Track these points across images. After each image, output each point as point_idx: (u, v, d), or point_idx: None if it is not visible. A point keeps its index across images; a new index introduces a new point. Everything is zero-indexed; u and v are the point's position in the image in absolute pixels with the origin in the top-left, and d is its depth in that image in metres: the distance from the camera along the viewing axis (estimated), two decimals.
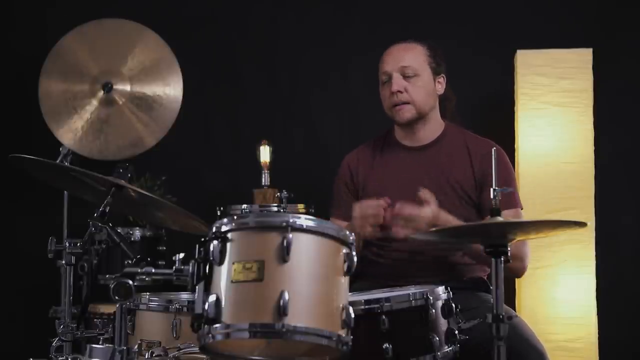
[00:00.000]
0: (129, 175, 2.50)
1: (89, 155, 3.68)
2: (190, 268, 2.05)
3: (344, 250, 2.04)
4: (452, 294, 2.43)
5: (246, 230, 2.03)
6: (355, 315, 2.02)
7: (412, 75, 2.99)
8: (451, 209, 2.90)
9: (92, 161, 3.60)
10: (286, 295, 1.91)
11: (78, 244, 2.44)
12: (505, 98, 4.00)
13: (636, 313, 4.01)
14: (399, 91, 2.98)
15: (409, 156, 3.05)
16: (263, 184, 3.55)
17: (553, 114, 3.86)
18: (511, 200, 2.92)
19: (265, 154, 3.66)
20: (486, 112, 4.10)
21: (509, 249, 2.27)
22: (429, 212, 2.71)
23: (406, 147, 3.07)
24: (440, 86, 3.06)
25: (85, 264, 2.42)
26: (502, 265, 2.27)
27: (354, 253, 2.05)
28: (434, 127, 3.07)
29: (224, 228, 2.03)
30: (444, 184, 2.96)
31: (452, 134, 3.07)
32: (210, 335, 1.95)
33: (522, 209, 3.01)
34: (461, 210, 2.92)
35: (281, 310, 1.90)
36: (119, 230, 2.45)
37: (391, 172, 3.04)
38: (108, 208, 2.42)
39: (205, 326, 1.96)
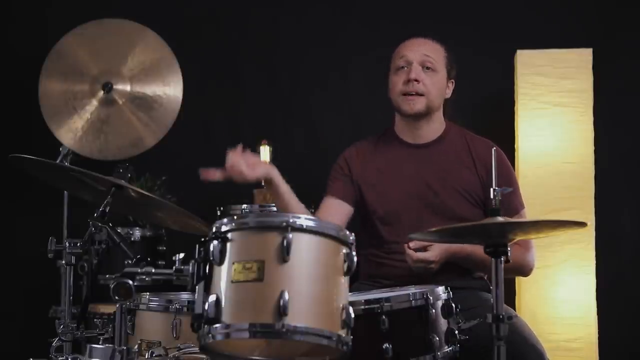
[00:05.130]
0: (129, 175, 2.50)
1: (89, 155, 3.68)
2: (190, 268, 2.05)
3: (344, 250, 2.04)
4: (452, 294, 2.43)
5: (246, 230, 2.02)
6: (355, 315, 2.01)
7: (431, 69, 2.98)
8: (454, 207, 2.91)
9: (92, 161, 3.60)
10: (286, 295, 1.91)
11: (78, 244, 2.43)
12: (505, 98, 4.00)
13: (636, 313, 4.01)
14: (416, 80, 2.96)
15: (410, 153, 3.03)
16: (263, 184, 3.54)
17: (553, 114, 3.86)
18: (514, 205, 2.92)
19: (265, 154, 3.65)
20: (486, 112, 4.10)
21: (509, 249, 2.27)
22: (431, 255, 2.76)
23: (407, 144, 3.05)
24: (449, 90, 3.05)
25: (85, 264, 2.41)
26: (502, 265, 2.27)
27: (353, 253, 2.05)
28: (436, 126, 3.05)
29: (224, 228, 2.02)
30: (446, 182, 2.95)
31: (454, 133, 3.06)
32: (210, 335, 1.95)
33: (524, 208, 3.01)
34: (465, 209, 2.92)
35: (281, 310, 1.90)
36: (119, 230, 2.45)
37: (392, 168, 3.02)
38: (108, 208, 2.42)
39: (205, 326, 1.96)
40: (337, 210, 3.01)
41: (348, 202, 3.03)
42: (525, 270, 2.95)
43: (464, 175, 2.97)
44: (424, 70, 2.97)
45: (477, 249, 2.71)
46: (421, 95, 2.96)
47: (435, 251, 2.76)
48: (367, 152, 3.08)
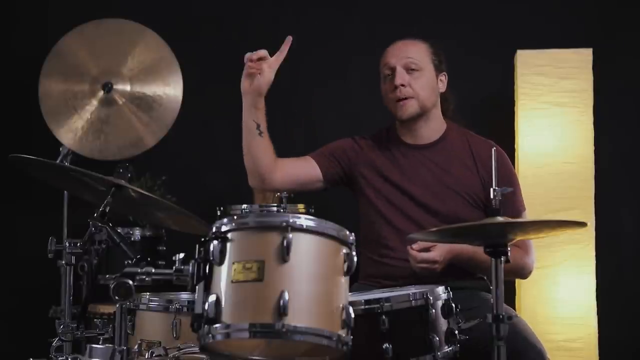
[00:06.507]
0: (129, 175, 2.50)
1: (89, 155, 3.69)
2: (190, 268, 2.05)
3: (344, 250, 2.04)
4: (452, 294, 2.43)
5: (246, 230, 2.02)
6: (355, 315, 2.01)
7: (416, 69, 2.96)
8: (455, 209, 2.90)
9: (92, 161, 3.60)
10: (286, 295, 1.91)
11: (78, 244, 2.43)
12: (505, 98, 4.00)
13: (636, 313, 4.01)
14: (402, 85, 2.95)
15: (411, 154, 3.02)
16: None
17: (553, 114, 3.86)
18: (516, 207, 2.92)
19: None
20: (486, 112, 4.10)
21: (508, 249, 2.27)
22: (435, 255, 2.73)
23: (408, 145, 3.04)
24: (442, 84, 3.04)
25: (85, 264, 2.41)
26: (502, 265, 2.27)
27: (353, 253, 2.05)
28: (435, 126, 3.04)
29: (224, 228, 2.02)
30: (448, 184, 2.94)
31: (455, 133, 3.05)
32: (210, 335, 1.95)
33: (525, 210, 3.01)
34: (465, 211, 2.91)
35: (281, 310, 1.90)
36: (119, 230, 2.45)
37: (393, 168, 3.01)
38: (108, 208, 2.42)
39: (205, 326, 1.96)
40: (307, 168, 3.06)
41: (324, 176, 3.04)
42: (524, 272, 2.95)
43: (465, 177, 2.96)
44: (408, 73, 2.96)
45: (479, 250, 2.70)
46: (411, 97, 2.96)
47: (439, 251, 2.74)
48: (370, 150, 3.07)
